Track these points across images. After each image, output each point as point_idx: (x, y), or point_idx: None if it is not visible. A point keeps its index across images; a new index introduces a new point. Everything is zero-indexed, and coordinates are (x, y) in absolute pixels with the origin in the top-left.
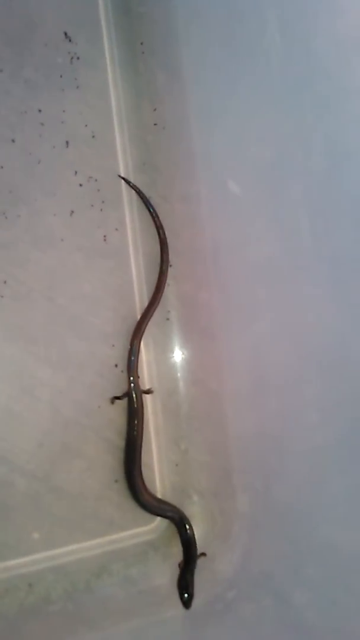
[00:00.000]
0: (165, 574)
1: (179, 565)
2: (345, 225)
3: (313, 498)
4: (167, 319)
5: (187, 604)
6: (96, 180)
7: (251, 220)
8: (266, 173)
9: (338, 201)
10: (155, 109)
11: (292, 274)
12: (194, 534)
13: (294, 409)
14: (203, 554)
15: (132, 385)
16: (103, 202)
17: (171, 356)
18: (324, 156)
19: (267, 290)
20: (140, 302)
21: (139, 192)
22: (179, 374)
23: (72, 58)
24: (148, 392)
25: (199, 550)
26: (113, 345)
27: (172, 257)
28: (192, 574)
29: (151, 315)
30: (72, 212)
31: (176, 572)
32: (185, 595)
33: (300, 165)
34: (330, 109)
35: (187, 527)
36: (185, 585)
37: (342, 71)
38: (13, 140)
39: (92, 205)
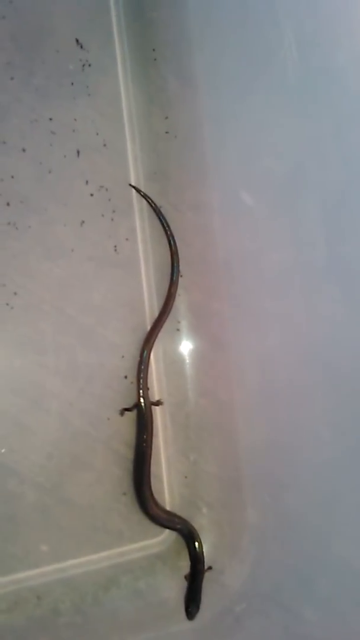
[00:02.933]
0: (174, 587)
1: (186, 577)
2: None
3: (324, 513)
4: (178, 330)
5: (190, 615)
6: (107, 189)
7: (264, 230)
8: (281, 185)
9: (355, 216)
10: (167, 117)
11: (305, 286)
12: (202, 548)
13: (305, 423)
14: (210, 568)
15: (141, 396)
16: (114, 211)
17: (181, 367)
18: (341, 171)
19: (280, 302)
20: (150, 312)
21: (150, 201)
22: (188, 385)
23: (83, 65)
24: (157, 403)
25: (207, 563)
26: (123, 357)
27: (183, 266)
28: (199, 588)
29: (161, 326)
30: (83, 222)
31: (184, 584)
32: (189, 608)
33: (316, 179)
34: (348, 124)
35: (196, 540)
36: (190, 599)
37: None
38: (24, 150)
39: (102, 215)
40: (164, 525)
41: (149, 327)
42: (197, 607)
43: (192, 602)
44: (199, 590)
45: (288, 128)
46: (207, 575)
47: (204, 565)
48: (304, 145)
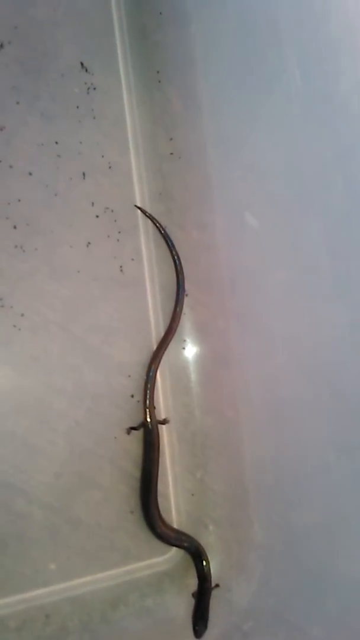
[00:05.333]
0: (181, 604)
1: (193, 595)
2: None
3: (332, 531)
4: (183, 348)
5: (198, 633)
6: (112, 210)
7: (269, 251)
8: (284, 208)
9: (358, 237)
10: (171, 138)
11: (310, 305)
12: (209, 565)
13: (311, 442)
14: (217, 585)
15: (148, 415)
16: (119, 232)
17: (187, 385)
18: (344, 195)
19: (285, 321)
20: (156, 331)
21: (155, 222)
22: (195, 403)
23: (88, 88)
24: (164, 422)
25: (214, 581)
26: (129, 376)
27: (188, 285)
28: (206, 605)
29: (167, 345)
30: (89, 243)
31: (192, 602)
32: (197, 626)
33: (319, 203)
34: (351, 152)
35: (203, 558)
36: (198, 617)
37: None
38: (30, 173)
39: (108, 236)
40: (171, 543)
41: (155, 346)
42: (205, 625)
43: (200, 620)
44: (207, 608)
45: (292, 151)
46: (215, 593)
47: (211, 583)
48: (308, 169)
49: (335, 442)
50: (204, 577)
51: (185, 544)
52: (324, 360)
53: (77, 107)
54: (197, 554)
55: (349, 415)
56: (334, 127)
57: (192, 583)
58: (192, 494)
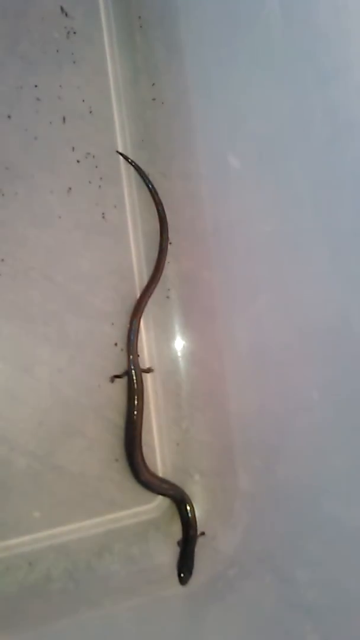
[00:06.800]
0: (167, 552)
1: (178, 543)
2: (346, 199)
3: (314, 475)
4: (167, 297)
5: (183, 580)
6: (94, 156)
7: (252, 197)
8: (266, 148)
9: (339, 175)
10: (153, 84)
11: (293, 250)
12: (194, 514)
13: (295, 387)
14: (202, 533)
15: (131, 363)
16: (101, 178)
17: (171, 335)
18: (324, 129)
19: (269, 267)
20: (139, 280)
21: (138, 169)
22: (179, 353)
23: (68, 33)
24: (148, 370)
25: (199, 529)
26: (112, 324)
27: (172, 234)
28: (191, 553)
29: (151, 294)
30: (70, 189)
31: (177, 550)
32: (182, 574)
33: (300, 139)
34: (331, 81)
35: (188, 506)
36: (183, 564)
37: (344, 42)
38: (9, 117)
39: (90, 182)
40: (156, 491)
41: (138, 295)
42: (190, 573)
43: (184, 567)
44: (192, 555)
45: (273, 90)
46: (200, 541)
47: (196, 531)
48: (289, 107)
49: (318, 383)
50: (188, 525)
51: (170, 492)
52: (309, 307)
53: (57, 51)
54: (181, 502)
55: (331, 357)
56: (315, 56)
57: (178, 531)
58: (177, 444)
